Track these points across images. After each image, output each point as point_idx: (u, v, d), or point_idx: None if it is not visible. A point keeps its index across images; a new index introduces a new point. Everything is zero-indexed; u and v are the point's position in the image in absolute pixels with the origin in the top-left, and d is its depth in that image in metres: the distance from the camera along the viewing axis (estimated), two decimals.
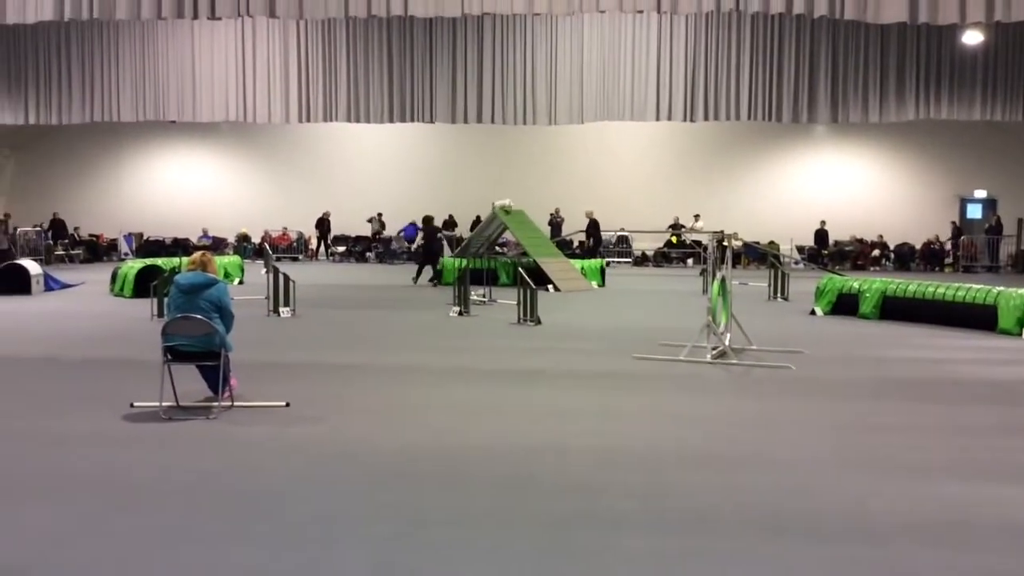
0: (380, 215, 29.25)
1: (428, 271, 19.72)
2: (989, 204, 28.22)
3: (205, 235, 29.06)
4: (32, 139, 30.57)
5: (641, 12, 16.18)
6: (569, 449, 6.19)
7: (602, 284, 19.91)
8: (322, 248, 29.51)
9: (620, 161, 29.11)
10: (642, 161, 29.17)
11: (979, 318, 12.41)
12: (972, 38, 21.88)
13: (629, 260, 28.29)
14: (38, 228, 28.02)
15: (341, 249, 29.48)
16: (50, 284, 17.88)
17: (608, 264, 22.21)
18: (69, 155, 30.76)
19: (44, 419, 7.03)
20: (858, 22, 16.45)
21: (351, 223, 29.34)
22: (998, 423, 7.12)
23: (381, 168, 30.05)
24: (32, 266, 17.70)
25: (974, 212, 28.61)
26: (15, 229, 27.82)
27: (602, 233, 26.35)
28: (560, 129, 25.86)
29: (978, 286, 13.27)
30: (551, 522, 4.74)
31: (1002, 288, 12.69)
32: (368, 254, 28.95)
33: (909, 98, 22.88)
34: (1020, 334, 11.81)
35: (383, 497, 5.14)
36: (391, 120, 21.86)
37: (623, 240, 28.85)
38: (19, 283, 16.83)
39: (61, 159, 30.90)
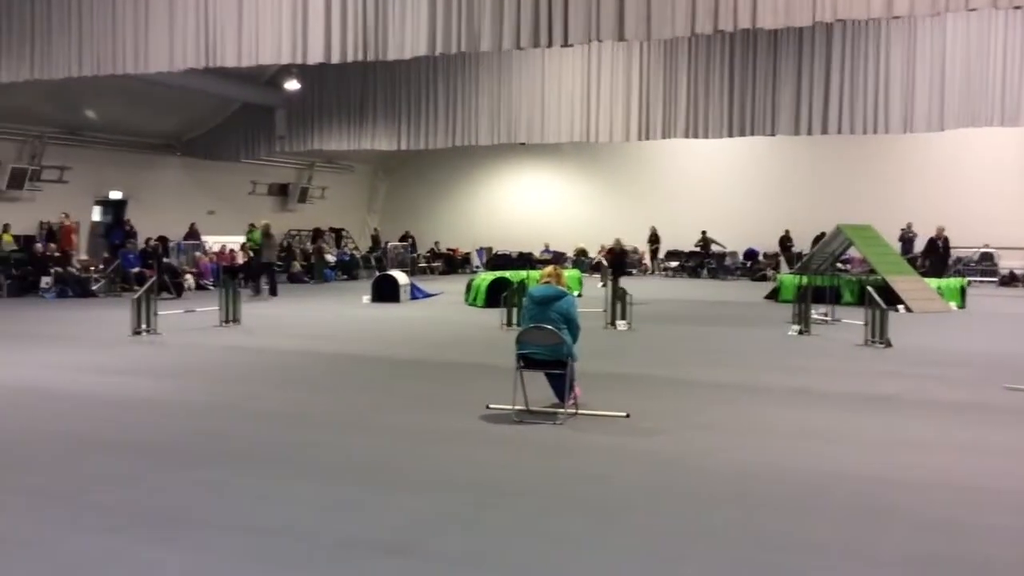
0: (704, 232, 29.10)
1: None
2: None
3: (547, 250, 30.62)
4: (401, 164, 34.21)
5: (1019, 8, 14.52)
6: (928, 484, 5.74)
7: (962, 305, 18.13)
8: (652, 262, 30.00)
9: (983, 170, 26.30)
10: (1010, 169, 26.13)
11: None
12: None
13: (994, 279, 25.42)
14: (405, 243, 31.28)
15: (674, 264, 29.63)
16: (415, 293, 19.91)
17: (969, 284, 20.16)
18: (430, 177, 33.99)
19: (414, 415, 7.86)
20: None
21: (685, 237, 29.39)
22: None
23: (715, 183, 29.79)
24: (401, 277, 19.82)
25: None
26: (386, 243, 31.33)
27: (952, 249, 24.01)
28: (913, 138, 23.93)
29: None
30: (910, 561, 4.45)
31: None
32: (700, 270, 28.82)
33: None
34: None
35: (723, 515, 5.12)
36: (730, 134, 21.53)
37: (987, 257, 26.01)
38: (391, 292, 18.95)
39: (424, 181, 34.23)
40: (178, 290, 20.36)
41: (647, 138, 22.12)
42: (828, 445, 6.79)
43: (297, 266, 26.78)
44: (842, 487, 5.69)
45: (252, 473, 5.97)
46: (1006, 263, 25.79)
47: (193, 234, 25.67)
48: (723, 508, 5.26)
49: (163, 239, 24.22)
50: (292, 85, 23.92)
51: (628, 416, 7.55)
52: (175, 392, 8.85)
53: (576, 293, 20.17)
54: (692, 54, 21.15)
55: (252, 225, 24.41)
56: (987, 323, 15.52)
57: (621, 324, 14.20)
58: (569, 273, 21.34)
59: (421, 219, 33.78)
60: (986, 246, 25.76)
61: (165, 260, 22.37)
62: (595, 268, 27.53)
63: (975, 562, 4.43)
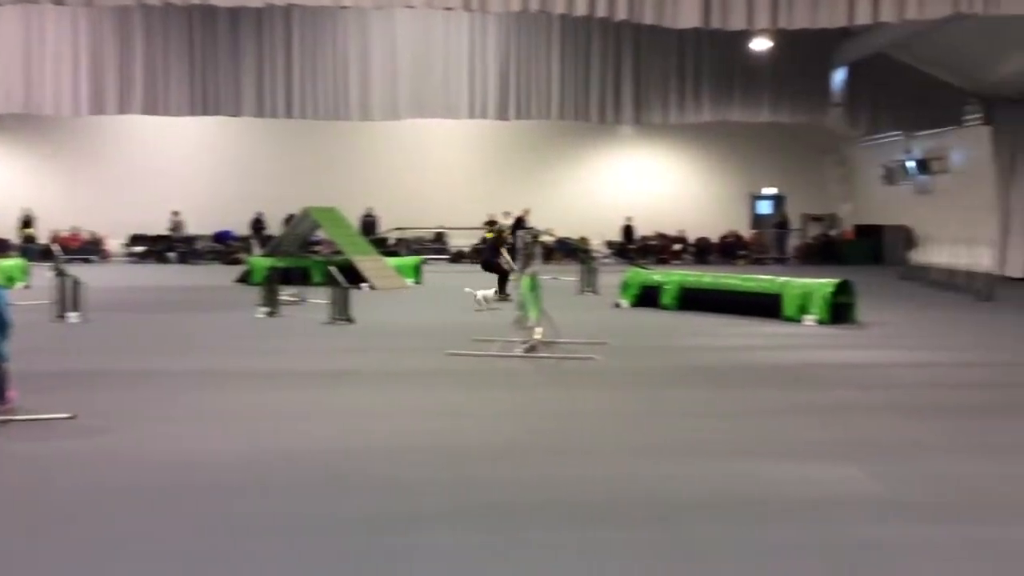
0: (177, 213, 27.78)
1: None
2: (778, 201, 30.32)
3: None
4: None
5: (450, 9, 16.21)
6: (380, 448, 6.13)
7: (419, 281, 19.86)
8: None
9: (437, 158, 29.10)
10: (459, 158, 29.30)
11: (766, 306, 13.29)
12: (760, 44, 23.28)
13: (446, 257, 28.37)
14: None
15: (140, 249, 27.80)
16: None
17: (425, 261, 22.18)
18: None
19: None
20: (658, 27, 17.14)
21: (150, 221, 27.68)
22: (788, 405, 7.64)
23: (185, 164, 28.56)
24: None
25: (764, 208, 30.65)
26: None
27: (415, 229, 26.19)
28: (375, 126, 25.57)
29: (765, 277, 14.24)
30: (357, 522, 4.68)
31: (786, 278, 13.69)
32: (169, 254, 27.42)
33: (704, 100, 24.17)
34: (801, 320, 12.76)
35: (186, 508, 4.90)
36: (192, 113, 20.86)
37: (440, 237, 28.93)
38: None
39: None
40: None
41: (101, 113, 20.43)
42: (293, 423, 6.88)
43: None
44: (304, 461, 5.81)
45: None
46: (455, 242, 28.95)
47: None
48: (184, 500, 5.02)
49: None
50: None
51: (75, 416, 6.83)
52: None
53: (24, 284, 17.85)
54: (146, 26, 19.95)
55: None
56: (437, 297, 17.20)
57: (72, 316, 12.87)
58: (13, 262, 18.84)
59: None
60: (440, 227, 28.58)
61: None
62: (46, 255, 24.67)
63: (413, 515, 4.82)
